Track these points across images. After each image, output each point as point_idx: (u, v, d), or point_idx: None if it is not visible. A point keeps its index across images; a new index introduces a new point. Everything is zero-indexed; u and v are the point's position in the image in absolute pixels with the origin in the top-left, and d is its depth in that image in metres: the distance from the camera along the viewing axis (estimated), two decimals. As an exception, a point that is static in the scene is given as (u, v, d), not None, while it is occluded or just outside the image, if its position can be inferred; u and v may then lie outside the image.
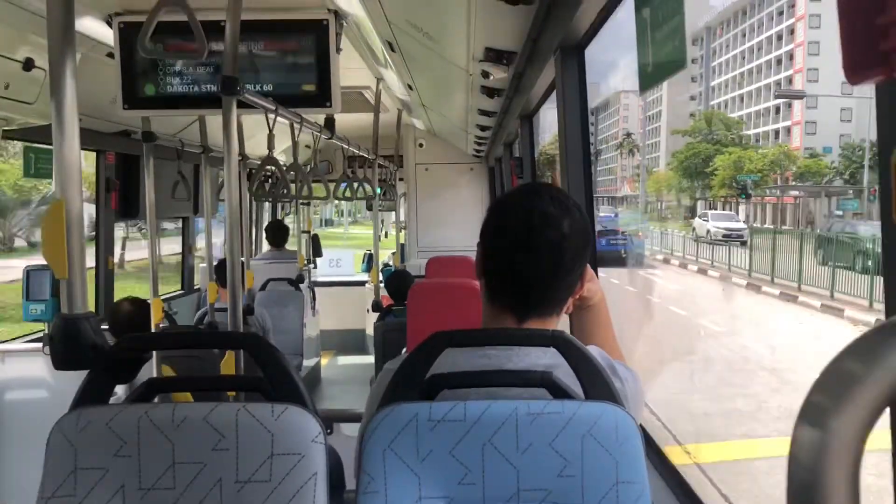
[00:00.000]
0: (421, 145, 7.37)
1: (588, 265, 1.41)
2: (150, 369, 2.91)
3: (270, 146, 3.11)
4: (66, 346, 1.43)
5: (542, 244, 1.31)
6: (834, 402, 0.52)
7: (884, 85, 0.79)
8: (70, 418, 1.26)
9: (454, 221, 7.15)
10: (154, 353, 2.94)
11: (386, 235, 10.84)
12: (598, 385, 1.27)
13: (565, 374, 1.28)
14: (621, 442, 1.21)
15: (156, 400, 1.37)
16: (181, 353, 3.31)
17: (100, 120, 3.91)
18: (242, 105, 2.39)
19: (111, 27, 2.80)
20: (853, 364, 0.52)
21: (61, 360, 1.44)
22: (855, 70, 0.50)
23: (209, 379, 1.72)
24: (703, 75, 72.74)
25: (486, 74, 2.94)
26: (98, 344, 1.45)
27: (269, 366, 1.36)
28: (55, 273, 1.44)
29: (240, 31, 2.23)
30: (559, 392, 1.25)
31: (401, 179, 7.65)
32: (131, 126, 4.12)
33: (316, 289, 7.01)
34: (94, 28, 3.02)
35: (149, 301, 3.41)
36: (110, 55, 2.91)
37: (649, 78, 1.30)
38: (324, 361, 7.37)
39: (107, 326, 3.16)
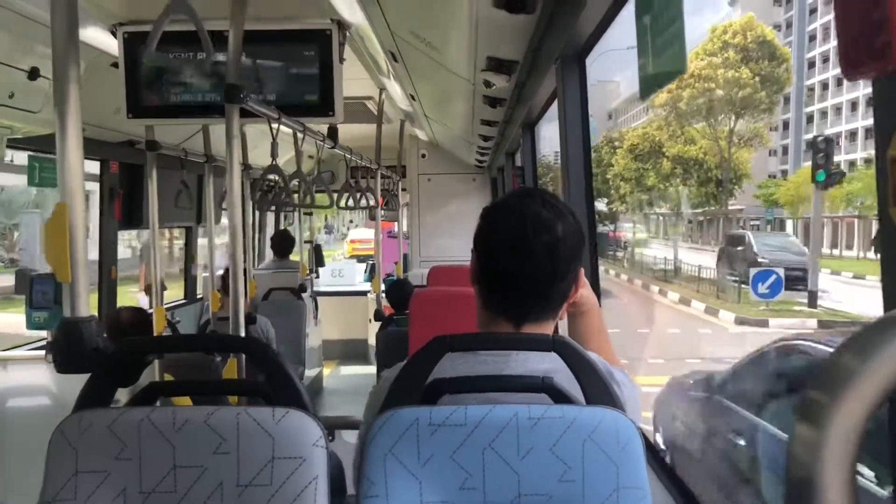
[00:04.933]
0: (424, 156, 7.38)
1: (581, 270, 1.41)
2: (152, 379, 2.90)
3: (274, 154, 3.10)
4: (68, 349, 1.43)
5: (536, 248, 1.30)
6: (831, 398, 0.52)
7: (880, 79, 0.79)
8: (72, 421, 1.26)
9: (457, 231, 7.15)
10: (156, 363, 2.94)
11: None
12: (598, 390, 1.27)
13: (564, 380, 1.28)
14: (622, 447, 1.21)
15: (157, 405, 1.37)
16: (182, 363, 3.31)
17: (104, 129, 3.92)
18: (246, 114, 2.39)
19: (116, 37, 2.81)
20: (850, 359, 0.52)
21: (63, 364, 1.44)
22: (852, 65, 0.51)
23: (211, 383, 1.71)
24: (792, 43, 49.98)
25: (488, 84, 2.95)
26: (100, 347, 1.45)
27: (271, 370, 1.37)
28: (58, 276, 1.44)
29: (243, 41, 2.24)
30: (560, 397, 1.25)
31: (403, 190, 7.66)
32: (135, 136, 4.13)
33: (318, 298, 7.01)
34: (99, 38, 3.03)
35: (150, 311, 3.40)
36: (115, 65, 2.92)
37: (650, 83, 1.31)
38: (326, 371, 7.36)
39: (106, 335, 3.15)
